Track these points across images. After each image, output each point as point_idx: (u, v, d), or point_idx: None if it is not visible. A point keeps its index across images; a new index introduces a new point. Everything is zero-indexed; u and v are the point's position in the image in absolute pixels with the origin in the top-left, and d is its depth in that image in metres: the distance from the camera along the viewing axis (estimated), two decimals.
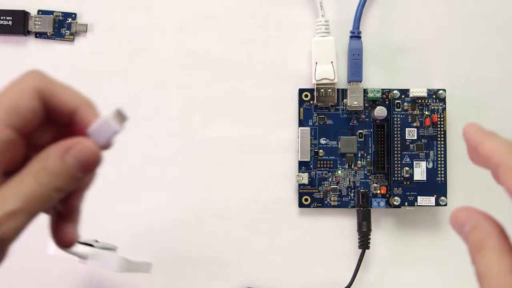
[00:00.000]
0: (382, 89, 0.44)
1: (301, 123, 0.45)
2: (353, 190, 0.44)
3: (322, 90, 0.44)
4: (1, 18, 0.44)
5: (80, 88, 0.47)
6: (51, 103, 0.27)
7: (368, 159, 0.44)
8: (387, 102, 0.44)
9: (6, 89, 0.26)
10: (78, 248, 0.33)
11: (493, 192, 0.45)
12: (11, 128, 0.25)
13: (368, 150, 0.44)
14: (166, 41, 0.46)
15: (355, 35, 0.45)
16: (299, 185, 0.44)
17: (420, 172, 0.43)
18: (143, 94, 0.45)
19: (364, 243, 0.43)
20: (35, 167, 0.24)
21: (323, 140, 0.45)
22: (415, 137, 0.43)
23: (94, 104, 0.29)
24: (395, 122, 0.44)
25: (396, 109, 0.44)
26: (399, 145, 0.43)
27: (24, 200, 0.23)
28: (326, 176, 0.44)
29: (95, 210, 0.38)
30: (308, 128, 0.44)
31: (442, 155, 0.43)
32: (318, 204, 0.44)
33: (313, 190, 0.44)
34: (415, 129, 0.43)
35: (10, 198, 0.23)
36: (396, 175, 0.43)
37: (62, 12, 0.45)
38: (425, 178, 0.43)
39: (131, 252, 0.45)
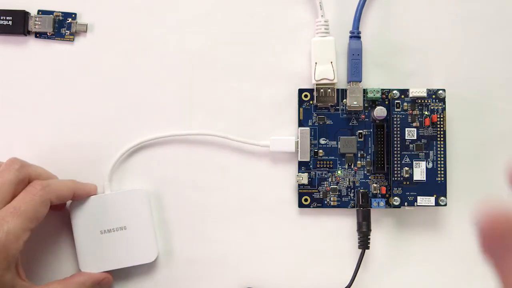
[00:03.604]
0: (382, 89, 0.44)
1: (301, 123, 0.45)
2: (352, 190, 0.44)
3: (321, 90, 0.44)
4: (1, 18, 0.44)
5: (80, 88, 0.47)
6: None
7: (367, 159, 0.44)
8: (386, 102, 0.44)
9: (31, 199, 0.37)
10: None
11: (493, 192, 0.45)
12: (31, 230, 0.37)
13: (367, 150, 0.44)
14: (166, 41, 0.46)
15: (355, 35, 0.45)
16: (299, 185, 0.44)
17: (419, 172, 0.43)
18: (143, 94, 0.45)
19: (364, 243, 0.43)
20: None
21: (323, 140, 0.45)
22: (415, 137, 0.43)
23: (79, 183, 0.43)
24: (395, 122, 0.44)
25: (396, 109, 0.44)
26: (398, 145, 0.43)
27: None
28: (325, 176, 0.44)
29: None
30: (308, 128, 0.44)
31: (442, 155, 0.43)
32: (318, 204, 0.44)
33: (313, 190, 0.44)
34: (415, 129, 0.43)
35: None
36: (395, 175, 0.43)
37: (62, 12, 0.45)
38: (424, 178, 0.43)
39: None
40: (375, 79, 0.45)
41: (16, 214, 0.36)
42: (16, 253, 0.36)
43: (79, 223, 0.43)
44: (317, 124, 0.45)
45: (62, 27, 0.45)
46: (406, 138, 0.43)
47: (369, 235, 0.43)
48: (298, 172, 0.45)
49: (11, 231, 0.36)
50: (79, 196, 0.42)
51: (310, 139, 0.44)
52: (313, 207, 0.45)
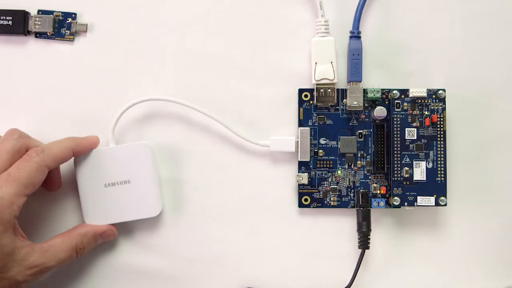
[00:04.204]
0: (382, 89, 0.44)
1: (301, 123, 0.45)
2: (353, 190, 0.44)
3: (321, 90, 0.44)
4: (1, 18, 0.44)
5: (80, 88, 0.47)
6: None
7: (368, 159, 0.44)
8: (386, 102, 0.44)
9: (25, 166, 0.38)
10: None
11: (493, 192, 0.45)
12: (26, 196, 0.38)
13: (368, 150, 0.44)
14: (166, 41, 0.46)
15: (355, 35, 0.45)
16: (299, 185, 0.44)
17: (419, 172, 0.43)
18: (143, 94, 0.45)
19: (364, 243, 0.43)
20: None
21: (323, 140, 0.45)
22: (415, 137, 0.43)
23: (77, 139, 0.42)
24: (395, 122, 0.44)
25: (396, 109, 0.44)
26: (398, 145, 0.43)
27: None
28: (325, 176, 0.44)
29: None
30: (308, 128, 0.44)
31: (442, 155, 0.43)
32: (318, 204, 0.44)
33: (313, 190, 0.44)
34: (415, 129, 0.43)
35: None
36: (395, 175, 0.43)
37: (62, 12, 0.45)
38: (424, 178, 0.43)
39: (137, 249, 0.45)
40: (375, 79, 0.45)
41: (10, 180, 0.37)
42: (11, 218, 0.37)
43: (84, 176, 0.43)
44: (317, 124, 0.45)
45: (62, 27, 0.45)
46: (406, 138, 0.43)
47: (369, 235, 0.43)
48: (298, 172, 0.45)
49: (4, 197, 0.37)
50: (81, 152, 0.42)
51: (310, 139, 0.44)
52: (313, 207, 0.45)
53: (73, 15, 0.45)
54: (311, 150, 0.44)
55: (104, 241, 0.43)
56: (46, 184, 0.42)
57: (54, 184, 0.43)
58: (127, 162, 0.43)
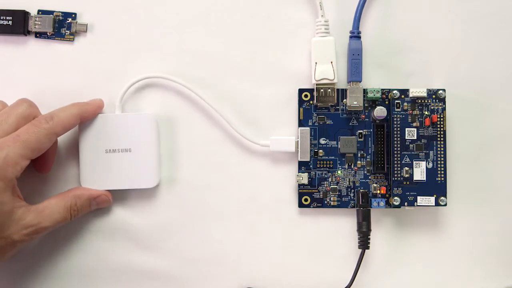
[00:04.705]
0: (382, 89, 0.44)
1: (301, 123, 0.45)
2: (353, 190, 0.44)
3: (321, 90, 0.44)
4: (1, 18, 0.44)
5: (80, 88, 0.47)
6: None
7: (368, 159, 0.44)
8: (386, 102, 0.44)
9: (35, 131, 0.39)
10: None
11: (493, 192, 0.45)
12: (30, 159, 0.39)
13: (368, 150, 0.44)
14: (166, 41, 0.46)
15: (355, 35, 0.45)
16: (299, 185, 0.44)
17: (419, 172, 0.43)
18: (143, 94, 0.45)
19: (364, 243, 0.43)
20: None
21: (323, 140, 0.45)
22: (415, 137, 0.43)
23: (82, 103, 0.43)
24: (395, 122, 0.44)
25: (396, 109, 0.44)
26: (398, 145, 0.43)
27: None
28: (325, 176, 0.44)
29: None
30: (308, 128, 0.44)
31: (442, 155, 0.43)
32: (318, 204, 0.44)
33: (313, 190, 0.44)
34: (415, 129, 0.43)
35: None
36: (395, 175, 0.43)
37: (62, 12, 0.45)
38: (424, 178, 0.43)
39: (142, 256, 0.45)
40: (375, 79, 0.45)
41: (19, 141, 0.38)
42: (13, 177, 0.38)
43: (86, 139, 0.43)
44: (317, 124, 0.45)
45: (62, 27, 0.45)
46: (406, 138, 0.43)
47: (369, 235, 0.43)
48: (298, 172, 0.45)
49: (10, 155, 0.37)
50: (87, 118, 0.43)
51: (310, 139, 0.44)
52: (313, 207, 0.45)
53: (73, 15, 0.45)
54: (311, 150, 0.44)
55: (99, 207, 0.44)
56: (39, 165, 0.43)
57: (47, 165, 0.43)
58: (131, 131, 0.43)
